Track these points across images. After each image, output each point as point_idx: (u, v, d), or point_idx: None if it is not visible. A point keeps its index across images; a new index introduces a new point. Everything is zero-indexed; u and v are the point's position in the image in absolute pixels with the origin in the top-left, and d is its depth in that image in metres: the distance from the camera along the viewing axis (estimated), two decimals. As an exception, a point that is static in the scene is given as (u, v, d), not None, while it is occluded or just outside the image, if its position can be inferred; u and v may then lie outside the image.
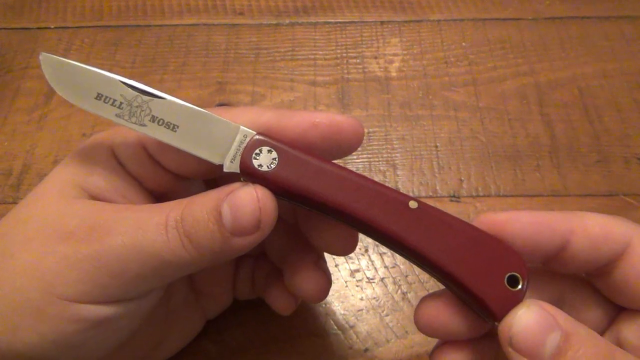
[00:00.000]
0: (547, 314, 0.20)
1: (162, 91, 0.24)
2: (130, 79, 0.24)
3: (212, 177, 0.27)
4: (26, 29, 0.49)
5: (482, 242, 0.23)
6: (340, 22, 0.49)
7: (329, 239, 0.26)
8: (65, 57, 0.23)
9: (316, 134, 0.24)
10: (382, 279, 0.35)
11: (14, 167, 0.41)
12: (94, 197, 0.24)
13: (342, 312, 0.34)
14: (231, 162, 0.23)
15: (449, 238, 0.23)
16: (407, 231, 0.23)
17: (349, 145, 0.25)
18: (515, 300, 0.22)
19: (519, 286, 0.22)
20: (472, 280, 0.22)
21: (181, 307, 0.30)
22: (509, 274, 0.22)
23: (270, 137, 0.23)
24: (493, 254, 0.22)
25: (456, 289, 0.23)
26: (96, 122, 0.43)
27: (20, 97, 0.44)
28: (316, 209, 0.24)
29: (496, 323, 0.22)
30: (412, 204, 0.23)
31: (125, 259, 0.21)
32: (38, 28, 0.49)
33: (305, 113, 0.25)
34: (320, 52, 0.47)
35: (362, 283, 0.35)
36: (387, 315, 0.34)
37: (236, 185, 0.23)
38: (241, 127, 0.23)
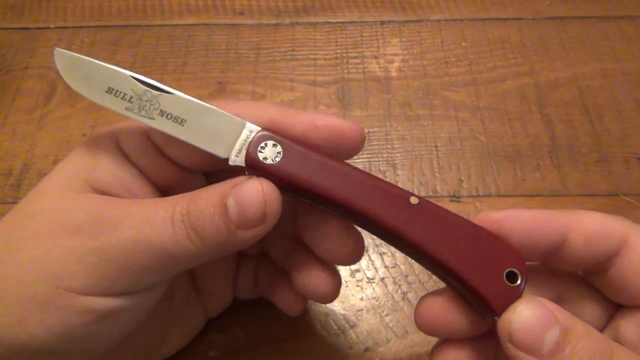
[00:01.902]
0: (546, 309, 0.20)
1: (175, 90, 0.24)
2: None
3: (216, 170, 0.27)
4: (26, 28, 0.49)
5: (481, 238, 0.23)
6: (340, 22, 0.49)
7: (334, 248, 0.26)
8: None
9: (317, 135, 0.24)
10: (382, 279, 0.35)
11: (14, 167, 0.40)
12: (99, 191, 0.24)
13: (343, 312, 0.34)
14: (236, 155, 0.24)
15: (448, 234, 0.23)
16: (408, 226, 0.23)
17: (349, 149, 0.25)
18: (514, 296, 0.22)
19: (518, 282, 0.22)
20: (471, 275, 0.22)
21: (183, 305, 0.30)
22: (507, 269, 0.22)
23: (275, 132, 0.24)
24: (492, 250, 0.23)
25: (455, 284, 0.23)
26: (97, 122, 0.43)
27: (21, 97, 0.44)
28: (318, 203, 0.24)
29: (495, 318, 0.22)
30: (413, 200, 0.23)
31: (132, 252, 0.22)
32: (38, 28, 0.49)
33: (308, 113, 0.25)
34: (321, 52, 0.47)
35: (362, 283, 0.35)
36: (387, 315, 0.34)
37: (241, 178, 0.23)
38: (247, 122, 0.24)
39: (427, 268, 0.24)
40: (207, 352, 0.33)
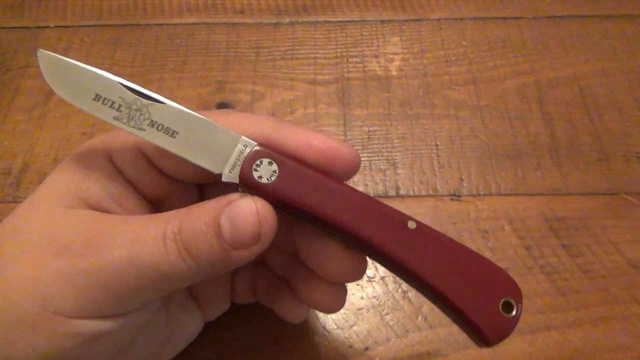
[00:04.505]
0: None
1: (161, 90, 0.24)
2: (130, 78, 0.23)
3: (209, 182, 0.27)
4: (26, 28, 0.49)
5: (479, 266, 0.23)
6: (340, 21, 0.49)
7: (334, 269, 0.25)
8: (64, 56, 0.23)
9: (310, 155, 0.23)
10: (382, 278, 0.35)
11: (14, 166, 0.40)
12: (90, 205, 0.24)
13: (343, 310, 0.34)
14: (230, 171, 0.23)
15: (445, 260, 0.22)
16: (404, 251, 0.22)
17: (341, 172, 0.24)
18: (509, 326, 0.22)
19: (513, 312, 0.22)
20: (466, 304, 0.22)
21: (180, 312, 0.29)
22: (503, 299, 0.22)
23: (271, 149, 0.23)
24: (488, 278, 0.22)
25: (450, 311, 0.23)
26: (96, 120, 0.42)
27: (20, 96, 0.44)
28: (314, 225, 0.23)
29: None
30: (411, 224, 0.23)
31: (123, 272, 0.21)
32: (38, 27, 0.49)
33: (303, 131, 0.24)
34: (321, 51, 0.47)
35: (362, 282, 0.35)
36: (387, 314, 0.34)
37: (234, 196, 0.22)
38: (241, 137, 0.23)
39: (422, 293, 0.24)
40: (207, 352, 0.33)
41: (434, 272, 0.22)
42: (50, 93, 0.44)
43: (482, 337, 0.22)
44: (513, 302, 0.22)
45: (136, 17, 0.49)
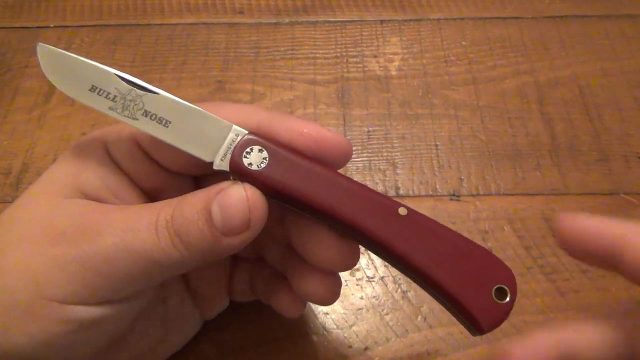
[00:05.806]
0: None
1: (161, 90, 0.24)
2: (129, 76, 0.24)
3: (204, 174, 0.27)
4: (26, 28, 0.49)
5: (472, 253, 0.22)
6: (340, 22, 0.49)
7: (326, 257, 0.25)
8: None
9: (303, 144, 0.24)
10: (382, 278, 0.35)
11: (14, 166, 0.40)
12: (87, 196, 0.24)
13: (342, 311, 0.34)
14: (222, 160, 0.23)
15: (438, 247, 0.22)
16: (396, 238, 0.22)
17: (334, 162, 0.24)
18: (502, 313, 0.22)
19: (507, 299, 0.22)
20: (459, 290, 0.22)
21: (178, 308, 0.30)
22: (497, 286, 0.22)
23: (261, 137, 0.23)
24: (482, 265, 0.22)
25: (443, 298, 0.23)
26: (96, 121, 0.43)
27: (20, 96, 0.44)
28: (305, 212, 0.24)
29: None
30: (402, 211, 0.23)
31: (115, 259, 0.21)
32: (38, 27, 0.49)
33: (296, 120, 0.24)
34: (321, 51, 0.47)
35: (362, 282, 0.35)
36: (387, 314, 0.34)
37: (226, 184, 0.23)
38: (234, 126, 0.23)
39: (414, 281, 0.24)
40: (206, 351, 0.33)
41: (426, 258, 0.22)
42: (50, 93, 0.44)
43: (475, 324, 0.22)
44: (507, 288, 0.22)
45: (136, 17, 0.49)
